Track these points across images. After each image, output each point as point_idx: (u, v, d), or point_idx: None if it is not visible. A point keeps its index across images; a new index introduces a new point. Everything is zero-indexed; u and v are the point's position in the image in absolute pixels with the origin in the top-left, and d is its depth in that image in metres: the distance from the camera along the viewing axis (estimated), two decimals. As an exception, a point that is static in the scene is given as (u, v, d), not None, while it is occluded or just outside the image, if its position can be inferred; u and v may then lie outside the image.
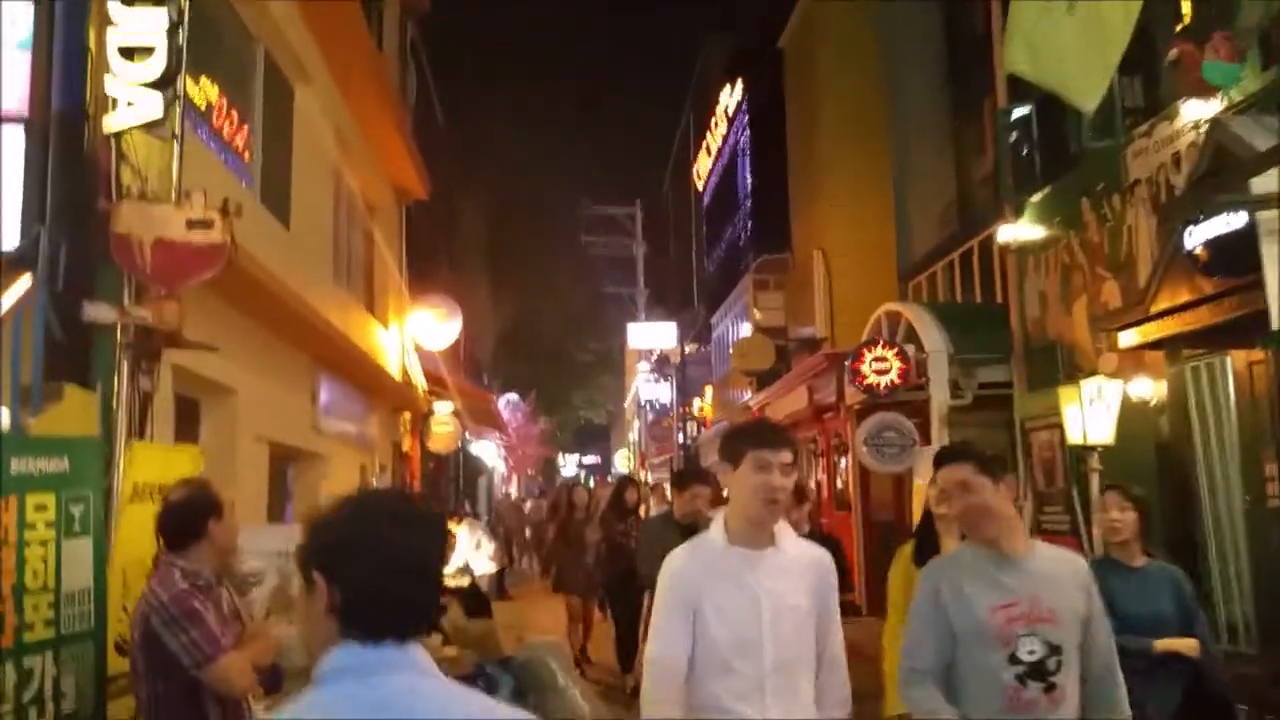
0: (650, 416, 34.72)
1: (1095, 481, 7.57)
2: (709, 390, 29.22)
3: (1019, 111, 10.72)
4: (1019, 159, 10.77)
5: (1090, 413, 7.23)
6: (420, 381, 14.81)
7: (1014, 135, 10.81)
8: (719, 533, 2.92)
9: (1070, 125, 10.18)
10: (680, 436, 28.79)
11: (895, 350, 10.77)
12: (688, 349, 31.78)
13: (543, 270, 30.87)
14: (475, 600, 9.39)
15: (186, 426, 7.49)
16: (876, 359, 10.77)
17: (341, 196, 11.96)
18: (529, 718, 1.67)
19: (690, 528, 5.63)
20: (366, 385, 12.22)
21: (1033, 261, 10.41)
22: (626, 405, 51.41)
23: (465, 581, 10.52)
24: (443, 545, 1.74)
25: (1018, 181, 10.69)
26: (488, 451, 26.44)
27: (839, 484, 14.86)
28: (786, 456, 2.86)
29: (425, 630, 1.64)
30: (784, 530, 2.96)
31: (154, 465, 4.61)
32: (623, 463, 46.28)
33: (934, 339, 10.75)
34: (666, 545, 5.39)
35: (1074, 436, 7.24)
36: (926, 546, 4.40)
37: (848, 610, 3.37)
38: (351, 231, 12.54)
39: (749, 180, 26.09)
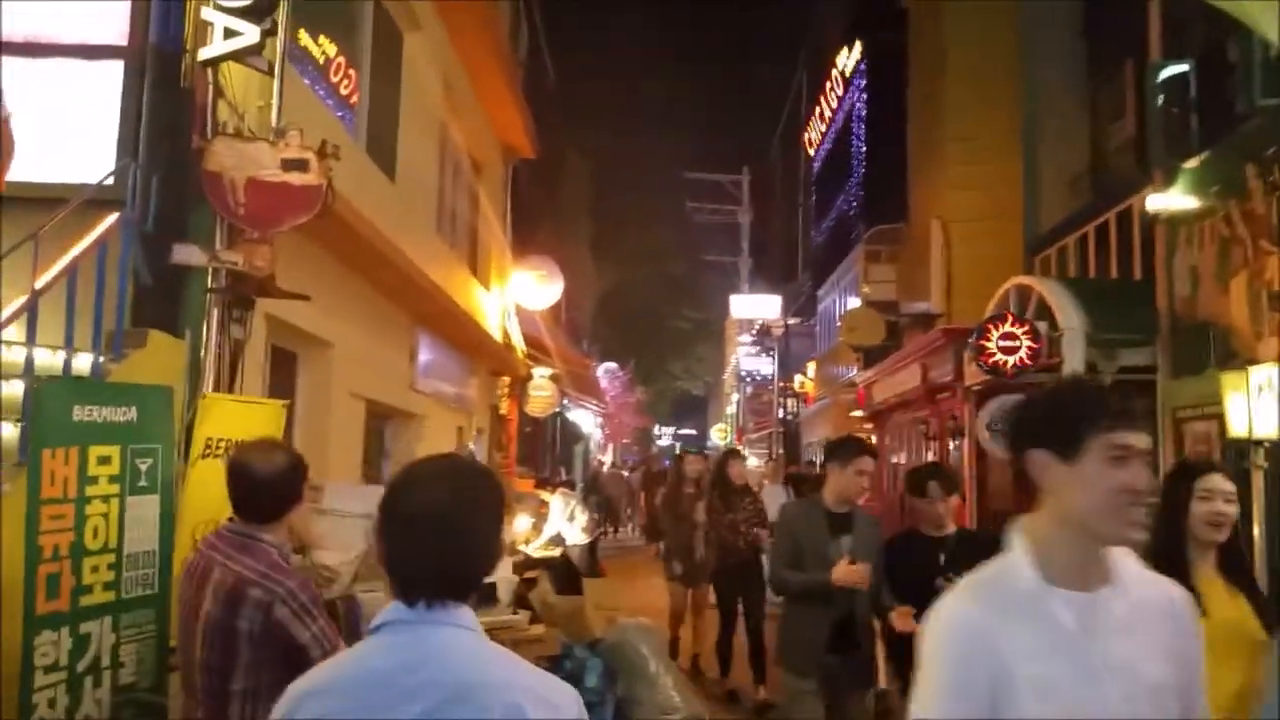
0: (749, 389, 34.08)
1: (1259, 480, 6.82)
2: (811, 366, 28.45)
3: (1174, 68, 9.78)
4: (1171, 120, 9.84)
5: (1259, 402, 6.47)
6: (520, 345, 14.50)
7: (1166, 94, 9.87)
8: (1024, 562, 1.88)
9: (1236, 83, 9.25)
10: (780, 412, 28.10)
11: (1026, 327, 9.97)
12: (791, 321, 31.03)
13: (645, 236, 30.34)
14: (566, 574, 9.03)
15: (281, 380, 7.23)
16: (1004, 336, 9.98)
17: (448, 151, 11.63)
18: (559, 683, 1.69)
19: (846, 518, 4.66)
20: (466, 346, 11.93)
21: (1184, 234, 9.51)
22: (725, 377, 50.80)
23: (556, 553, 10.18)
24: (477, 510, 1.69)
25: (1169, 145, 9.77)
26: (585, 419, 26.18)
27: (951, 468, 14.11)
28: (1145, 441, 1.88)
29: (466, 595, 1.66)
30: (1122, 559, 1.92)
31: (231, 419, 4.26)
32: (719, 436, 45.71)
33: (1070, 316, 9.94)
34: (815, 539, 4.70)
35: (1237, 428, 6.49)
36: None
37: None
38: (456, 188, 12.22)
39: (864, 146, 25.16)
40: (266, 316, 6.28)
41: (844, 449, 4.84)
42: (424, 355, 9.89)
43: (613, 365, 29.75)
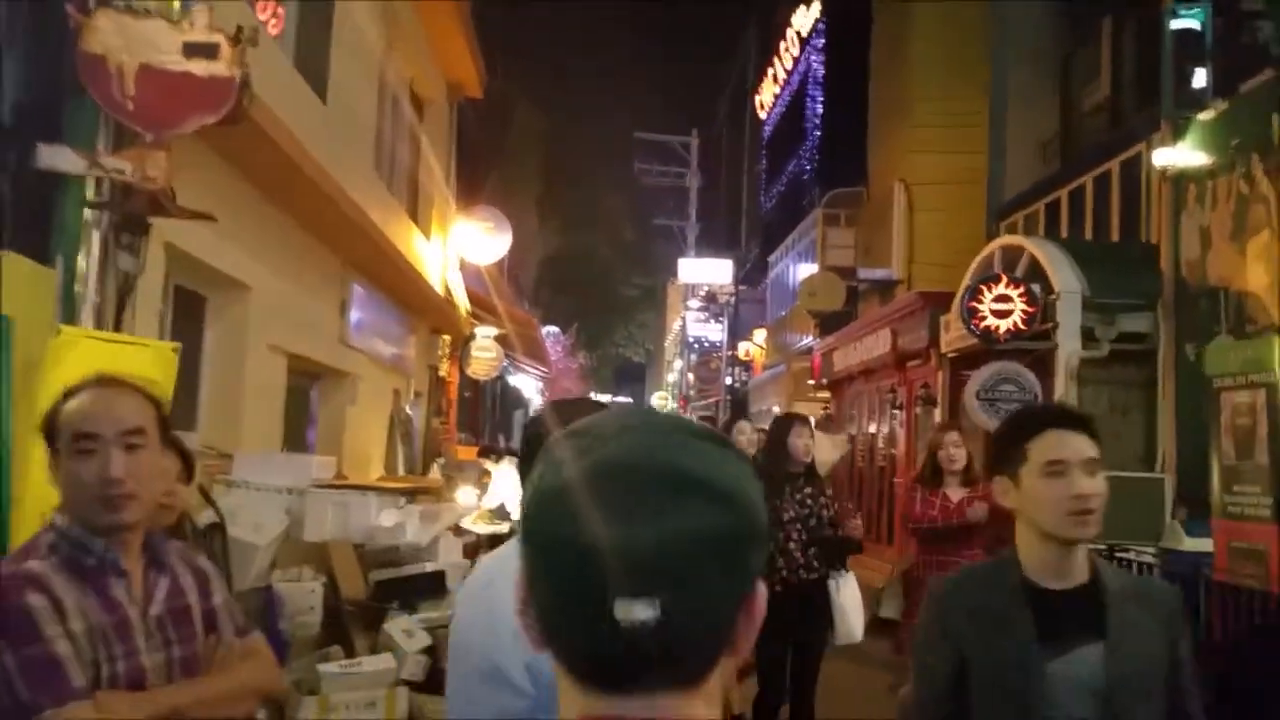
0: (694, 357, 33.28)
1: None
2: (760, 333, 27.71)
3: (1188, 12, 9.02)
4: (1183, 69, 9.10)
5: (1316, 370, 5.74)
6: (463, 301, 13.43)
7: (1177, 44, 9.11)
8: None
9: (1254, 30, 8.54)
10: (728, 379, 27.35)
11: (1021, 289, 9.19)
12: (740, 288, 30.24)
13: (591, 197, 29.20)
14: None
15: (186, 327, 6.14)
16: (998, 298, 9.19)
17: (388, 82, 10.49)
18: None
19: None
20: (405, 300, 10.86)
21: (1194, 192, 8.78)
22: (667, 344, 50.00)
23: (504, 528, 9.22)
24: None
25: (1180, 96, 9.03)
26: (526, 385, 25.16)
27: (921, 439, 13.39)
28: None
29: None
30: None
31: (93, 362, 3.20)
32: (658, 404, 44.98)
33: (1067, 278, 9.17)
34: None
35: (1295, 399, 5.77)
36: None
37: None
38: (396, 125, 11.09)
39: (820, 108, 24.36)
40: (167, 246, 5.20)
41: None
42: (358, 307, 8.82)
43: (555, 329, 28.72)
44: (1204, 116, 8.59)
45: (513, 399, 25.11)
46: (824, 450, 7.04)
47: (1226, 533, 6.25)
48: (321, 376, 8.80)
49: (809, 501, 5.51)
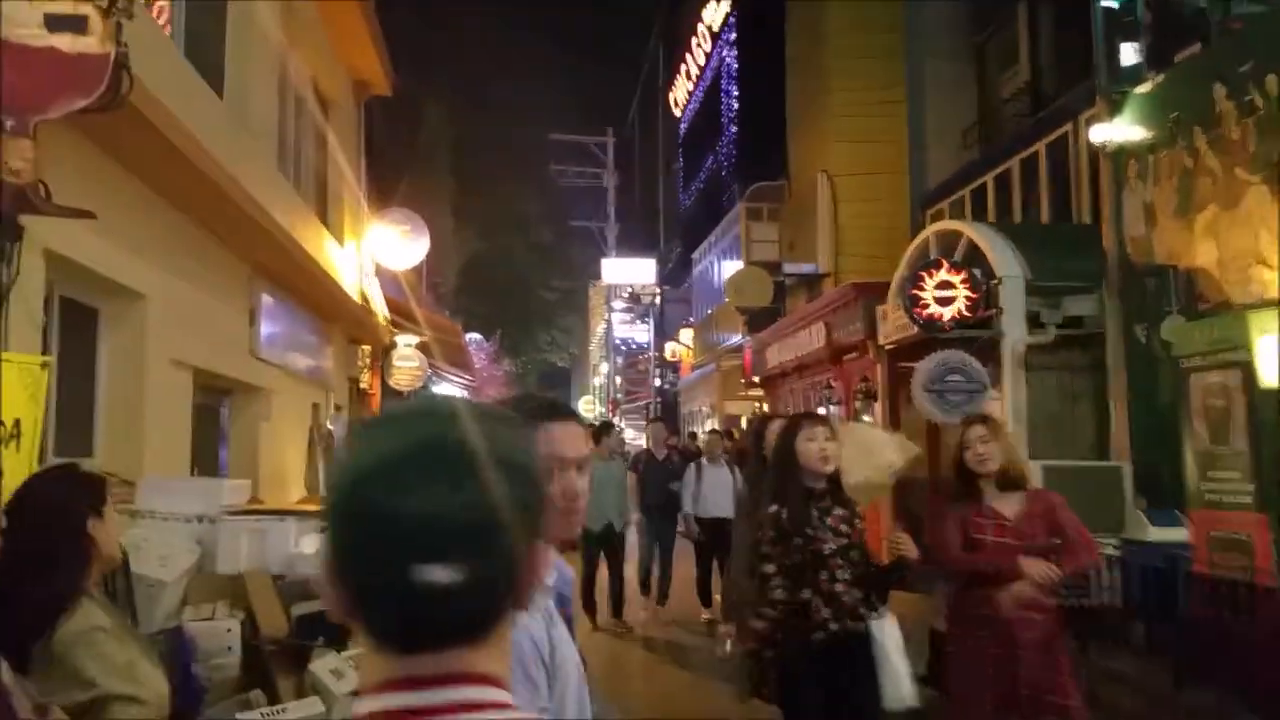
0: (621, 361, 32.81)
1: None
2: (686, 333, 27.38)
3: (1118, -13, 8.87)
4: (1113, 44, 8.92)
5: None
6: (382, 309, 12.80)
7: (1108, 18, 8.93)
8: None
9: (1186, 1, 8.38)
10: (656, 380, 26.95)
11: (963, 275, 8.92)
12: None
13: (507, 200, 28.56)
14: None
15: (76, 343, 5.52)
16: (940, 284, 8.92)
17: (289, 79, 9.86)
18: None
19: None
20: (320, 308, 10.22)
21: (1135, 168, 8.61)
22: (591, 348, 49.46)
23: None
24: None
25: (1110, 72, 8.85)
26: (451, 394, 24.46)
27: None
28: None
29: None
30: None
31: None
32: (585, 408, 44.43)
33: (1008, 262, 8.93)
34: None
35: (1269, 378, 5.49)
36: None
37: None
38: (301, 124, 10.45)
39: (735, 103, 24.12)
40: (47, 253, 4.59)
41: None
42: (268, 316, 8.19)
43: (478, 336, 28.04)
44: (1140, 90, 8.41)
45: (436, 410, 24.35)
46: (884, 451, 5.31)
47: (1205, 522, 5.99)
48: (232, 392, 8.16)
49: (843, 526, 4.13)
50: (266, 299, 8.12)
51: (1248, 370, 5.56)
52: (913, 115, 15.97)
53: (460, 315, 28.82)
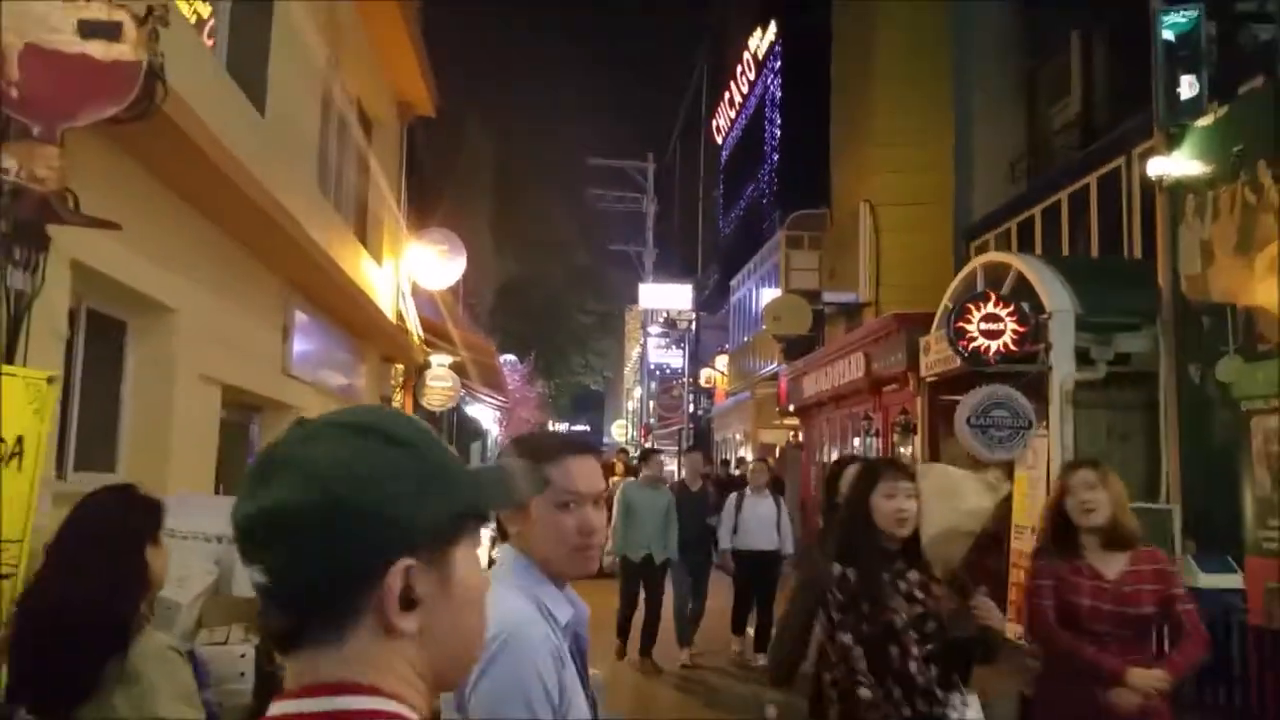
0: (655, 386, 32.63)
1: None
2: (722, 359, 27.16)
3: (1178, 17, 8.60)
4: (1173, 76, 8.66)
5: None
6: (416, 328, 12.72)
7: (1168, 48, 8.67)
8: None
9: (1254, 31, 8.13)
10: (690, 406, 26.73)
11: (1010, 308, 8.68)
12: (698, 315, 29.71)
13: (547, 223, 28.60)
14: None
15: (103, 356, 5.42)
16: (987, 317, 8.68)
17: (333, 98, 9.82)
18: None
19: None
20: (354, 326, 10.15)
21: (1193, 203, 8.33)
22: (626, 372, 49.33)
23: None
24: None
25: (1169, 104, 8.59)
26: (484, 414, 24.39)
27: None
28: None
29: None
30: None
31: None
32: (618, 433, 44.24)
33: (1058, 296, 8.68)
34: None
35: (1337, 421, 5.25)
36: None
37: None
38: (343, 143, 10.42)
39: (778, 131, 23.97)
40: (74, 264, 4.51)
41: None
42: (301, 333, 8.10)
43: (512, 358, 27.99)
44: (1201, 123, 8.15)
45: (470, 430, 24.33)
46: (969, 494, 4.29)
47: (1262, 571, 5.71)
48: (262, 409, 8.06)
49: (918, 593, 3.44)
50: (300, 316, 8.03)
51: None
52: (959, 145, 15.72)
53: (496, 335, 28.83)
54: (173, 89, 4.08)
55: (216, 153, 5.19)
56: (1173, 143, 8.41)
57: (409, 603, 0.97)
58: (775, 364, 19.91)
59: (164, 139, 4.60)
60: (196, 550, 4.79)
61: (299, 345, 8.01)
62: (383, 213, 12.01)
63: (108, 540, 2.53)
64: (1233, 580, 6.97)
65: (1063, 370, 8.55)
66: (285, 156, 7.63)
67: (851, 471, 4.20)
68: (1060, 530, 3.81)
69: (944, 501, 4.00)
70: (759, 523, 9.22)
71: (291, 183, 7.62)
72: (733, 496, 9.62)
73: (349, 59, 10.01)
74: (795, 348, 18.53)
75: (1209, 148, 8.11)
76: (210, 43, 6.46)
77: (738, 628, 9.62)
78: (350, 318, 9.78)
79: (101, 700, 2.34)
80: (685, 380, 27.45)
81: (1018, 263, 9.37)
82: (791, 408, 17.74)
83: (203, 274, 6.10)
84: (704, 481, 10.35)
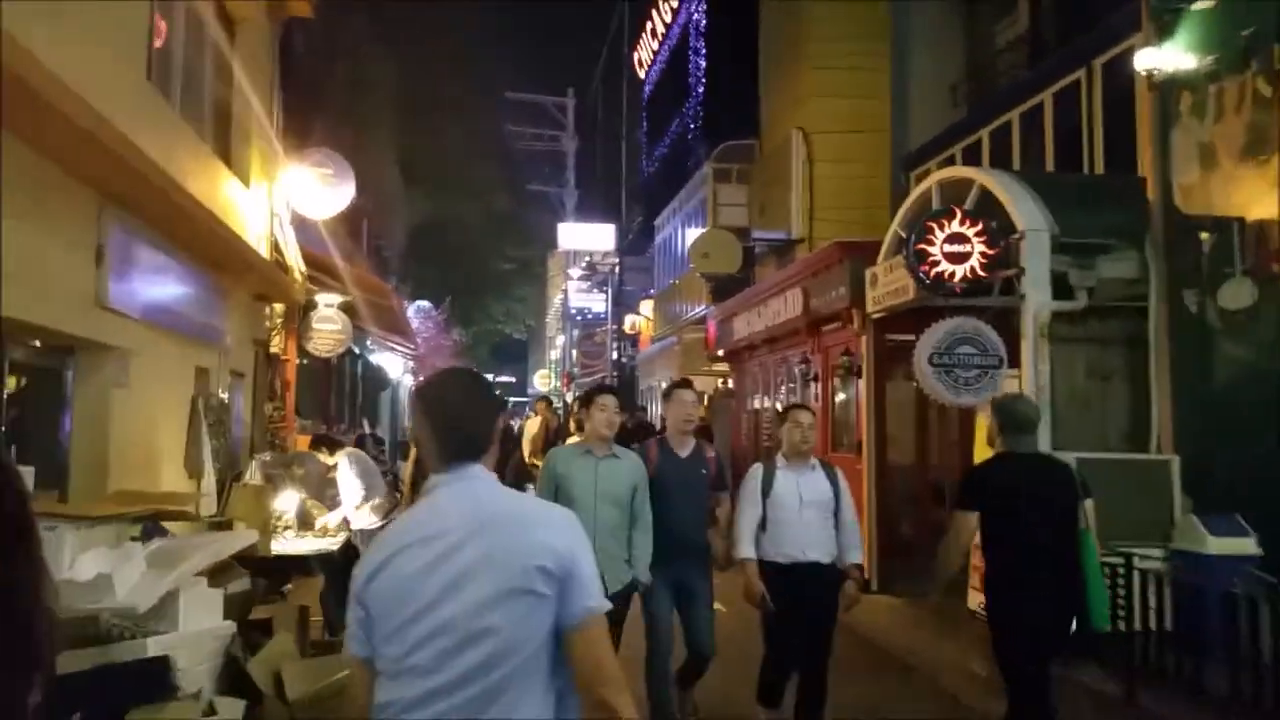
0: (577, 333, 31.20)
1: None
2: (647, 304, 25.84)
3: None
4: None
5: None
6: (298, 263, 11.16)
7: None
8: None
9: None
10: (614, 354, 25.39)
11: (978, 227, 7.43)
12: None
13: (461, 161, 26.75)
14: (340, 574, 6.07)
15: None
16: (952, 238, 7.42)
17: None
18: (555, 507, 2.45)
19: None
20: (210, 257, 8.58)
21: (1189, 101, 7.16)
22: (548, 320, 47.78)
23: (334, 544, 7.15)
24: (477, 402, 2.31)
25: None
26: (393, 364, 22.77)
27: (839, 415, 11.68)
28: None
29: (478, 458, 2.24)
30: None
31: None
32: (541, 383, 42.80)
33: (1030, 214, 7.45)
34: None
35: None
36: None
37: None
38: (191, 37, 8.78)
39: (704, 61, 22.57)
40: None
41: None
42: (124, 258, 6.55)
43: (426, 304, 26.32)
44: (1200, 5, 6.94)
45: (377, 379, 22.71)
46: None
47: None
48: (75, 351, 6.52)
49: None
50: (120, 236, 6.47)
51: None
52: (896, 67, 14.56)
53: (408, 282, 27.08)
54: None
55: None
56: (1164, 32, 7.20)
57: None
58: (704, 306, 18.67)
59: None
60: None
61: (120, 273, 6.46)
62: (251, 128, 10.38)
63: None
64: (1246, 545, 5.89)
65: (1037, 299, 7.34)
66: (90, 36, 6.06)
67: None
68: None
69: None
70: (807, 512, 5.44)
71: (100, 69, 6.06)
72: (757, 468, 5.60)
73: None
74: (724, 289, 17.31)
75: (1210, 35, 6.92)
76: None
77: (769, 697, 5.64)
78: (204, 246, 8.22)
79: None
80: (609, 327, 26.07)
81: (982, 177, 8.10)
82: (720, 352, 16.51)
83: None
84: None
